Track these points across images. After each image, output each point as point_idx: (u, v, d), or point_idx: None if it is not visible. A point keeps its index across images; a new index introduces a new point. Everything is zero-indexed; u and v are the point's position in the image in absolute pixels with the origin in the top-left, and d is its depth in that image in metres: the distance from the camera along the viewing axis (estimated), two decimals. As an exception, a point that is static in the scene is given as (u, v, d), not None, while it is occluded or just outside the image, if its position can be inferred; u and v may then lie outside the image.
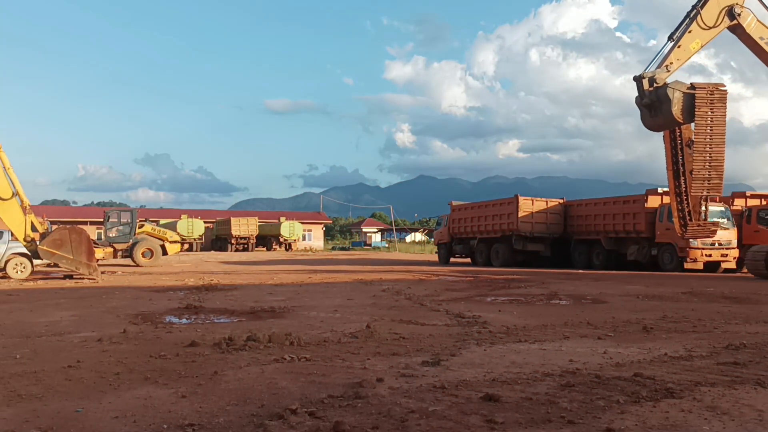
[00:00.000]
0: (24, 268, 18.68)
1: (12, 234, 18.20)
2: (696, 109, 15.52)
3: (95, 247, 20.94)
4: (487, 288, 15.26)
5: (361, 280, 17.83)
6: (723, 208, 22.58)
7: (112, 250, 25.63)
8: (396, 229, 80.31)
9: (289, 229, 56.53)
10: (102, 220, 28.24)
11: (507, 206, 27.27)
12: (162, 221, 43.78)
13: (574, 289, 14.60)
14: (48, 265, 20.50)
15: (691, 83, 15.89)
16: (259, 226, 56.13)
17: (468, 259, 30.81)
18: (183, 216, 52.04)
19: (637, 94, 16.15)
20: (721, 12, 16.37)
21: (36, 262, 18.96)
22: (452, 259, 31.97)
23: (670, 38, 16.52)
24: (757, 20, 16.78)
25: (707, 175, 16.06)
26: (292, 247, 56.89)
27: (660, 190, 23.32)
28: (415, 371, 5.44)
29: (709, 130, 15.77)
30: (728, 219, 22.20)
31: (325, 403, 4.40)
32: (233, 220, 55.98)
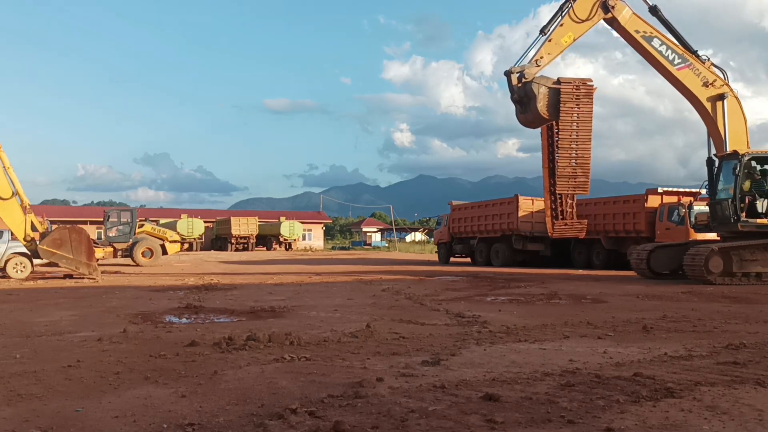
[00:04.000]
0: (24, 267, 18.68)
1: (12, 233, 18.21)
2: (561, 105, 15.07)
3: (95, 247, 20.94)
4: (487, 287, 15.26)
5: (361, 280, 17.84)
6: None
7: (112, 249, 25.64)
8: (396, 228, 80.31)
9: (289, 228, 56.50)
10: (102, 219, 28.25)
11: (507, 206, 27.26)
12: (162, 221, 43.77)
13: (574, 288, 14.60)
14: (47, 265, 20.51)
15: (557, 78, 15.43)
16: (259, 225, 56.10)
17: (468, 259, 30.81)
18: (183, 215, 52.00)
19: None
20: (594, 5, 16.00)
21: (35, 261, 18.96)
22: (452, 259, 31.97)
23: (542, 32, 16.04)
24: (633, 13, 16.44)
25: (572, 173, 15.55)
26: (292, 247, 56.86)
27: (660, 190, 23.30)
28: (415, 371, 5.44)
29: (574, 127, 15.27)
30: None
31: (325, 402, 4.40)
32: (233, 219, 55.96)
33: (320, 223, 72.82)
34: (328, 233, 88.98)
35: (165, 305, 11.19)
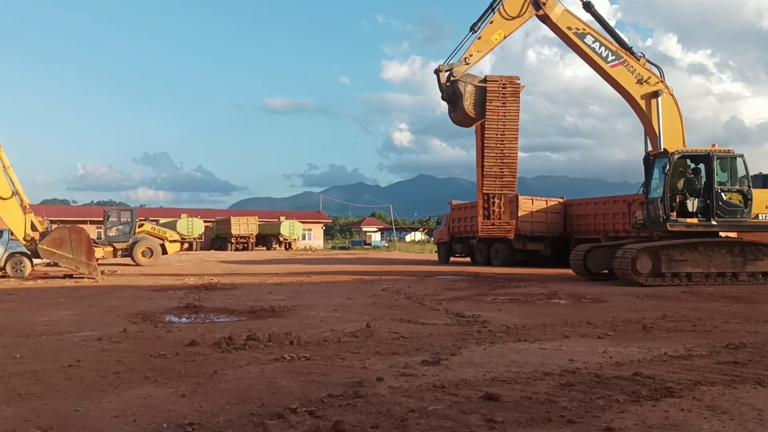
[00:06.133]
0: (24, 267, 18.67)
1: (12, 233, 18.20)
2: (487, 104, 14.91)
3: (95, 247, 20.93)
4: (487, 287, 15.26)
5: (360, 280, 17.83)
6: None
7: (111, 249, 25.62)
8: (396, 228, 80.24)
9: (288, 228, 56.47)
10: (102, 219, 28.24)
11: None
12: (162, 220, 43.70)
13: (574, 288, 14.60)
14: (47, 265, 20.50)
15: (484, 76, 15.27)
16: (259, 225, 56.09)
17: (468, 259, 30.79)
18: (183, 215, 51.96)
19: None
20: (525, 1, 15.74)
21: (35, 261, 18.95)
22: (452, 259, 31.95)
23: (472, 29, 15.79)
24: (565, 10, 16.19)
25: (499, 172, 15.36)
26: (292, 247, 56.82)
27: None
28: (415, 370, 5.44)
29: (500, 126, 15.08)
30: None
31: (325, 402, 4.40)
32: (233, 219, 55.92)
33: (320, 222, 72.78)
34: (328, 233, 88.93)
35: (165, 305, 11.19)
